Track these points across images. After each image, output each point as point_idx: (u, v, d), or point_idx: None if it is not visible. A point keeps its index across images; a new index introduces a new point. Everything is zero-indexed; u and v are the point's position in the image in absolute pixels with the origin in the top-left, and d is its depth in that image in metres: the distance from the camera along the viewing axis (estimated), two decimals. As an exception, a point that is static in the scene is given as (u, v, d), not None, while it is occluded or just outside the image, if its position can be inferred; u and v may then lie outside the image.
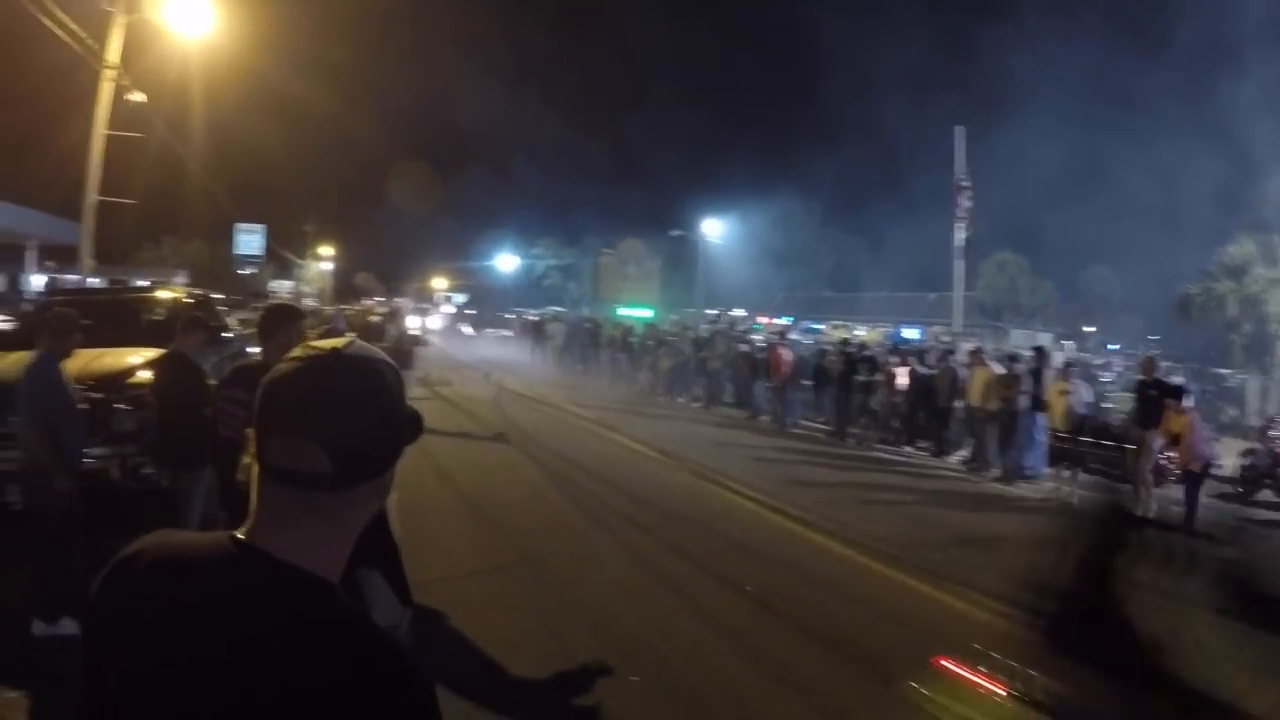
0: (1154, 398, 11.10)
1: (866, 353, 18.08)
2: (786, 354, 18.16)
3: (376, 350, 1.20)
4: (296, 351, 1.16)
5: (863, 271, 68.83)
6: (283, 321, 3.97)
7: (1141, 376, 11.93)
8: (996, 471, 12.94)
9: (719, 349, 21.06)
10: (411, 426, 1.26)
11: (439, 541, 7.51)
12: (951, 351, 16.85)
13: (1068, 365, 13.54)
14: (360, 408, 1.12)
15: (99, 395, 7.14)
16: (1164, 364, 14.28)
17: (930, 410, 15.43)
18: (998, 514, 10.37)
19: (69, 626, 4.69)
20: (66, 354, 5.52)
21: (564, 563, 7.19)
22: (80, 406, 5.86)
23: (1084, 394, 11.94)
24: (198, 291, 12.90)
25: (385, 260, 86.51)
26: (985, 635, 5.79)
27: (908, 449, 15.57)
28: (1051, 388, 12.43)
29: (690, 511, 9.23)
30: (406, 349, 14.12)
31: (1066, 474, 11.68)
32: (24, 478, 5.42)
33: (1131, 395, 12.52)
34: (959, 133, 26.54)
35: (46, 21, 13.15)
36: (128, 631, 1.09)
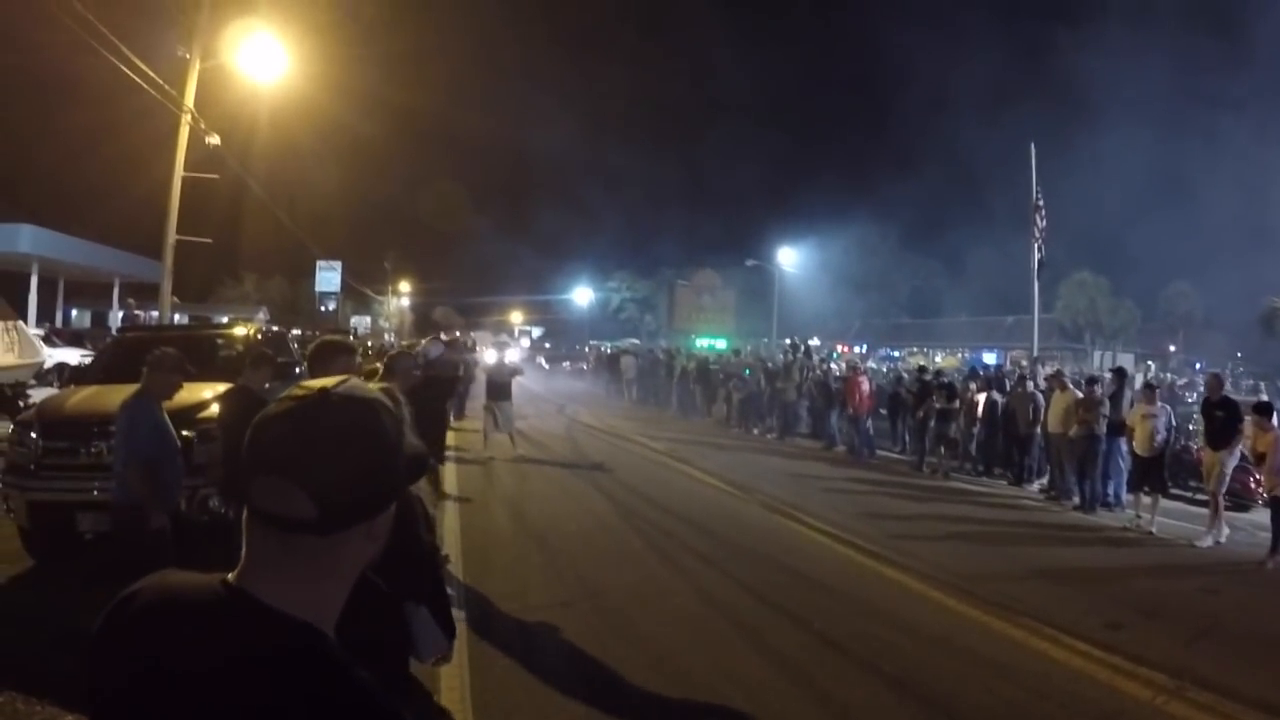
0: (1221, 419, 10.60)
1: (944, 379, 17.72)
2: (864, 383, 17.88)
3: (369, 390, 1.17)
4: (287, 392, 1.14)
5: (940, 297, 67.99)
6: (331, 356, 3.98)
7: (1208, 396, 11.45)
8: (1075, 500, 12.49)
9: (794, 379, 20.76)
10: (411, 466, 1.23)
11: (504, 572, 7.49)
12: (1027, 376, 16.41)
13: (1148, 387, 12.94)
14: (346, 451, 1.09)
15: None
16: (1248, 381, 13.63)
17: (1009, 437, 15.01)
18: (1075, 545, 10.02)
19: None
20: (168, 394, 5.54)
21: (627, 596, 7.10)
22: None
23: (1166, 417, 11.44)
24: (273, 328, 13.20)
25: (463, 294, 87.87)
26: (1061, 674, 5.60)
27: (985, 478, 15.19)
28: (1133, 412, 11.96)
29: (759, 545, 9.07)
30: (505, 380, 14.10)
31: (1147, 500, 11.19)
32: (117, 511, 5.38)
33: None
34: (1031, 150, 25.90)
35: (126, 70, 13.66)
36: (120, 670, 1.10)
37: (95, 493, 6.96)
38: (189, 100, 16.55)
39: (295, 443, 1.08)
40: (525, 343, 70.06)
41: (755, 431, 21.28)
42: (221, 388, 7.44)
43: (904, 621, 6.64)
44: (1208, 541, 10.13)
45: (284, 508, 1.07)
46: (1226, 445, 10.37)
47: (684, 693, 5.20)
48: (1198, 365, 52.62)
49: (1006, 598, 7.29)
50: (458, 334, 35.99)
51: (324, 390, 1.12)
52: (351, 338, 42.34)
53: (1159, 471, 11.21)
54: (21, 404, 13.80)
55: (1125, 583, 8.32)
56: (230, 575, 1.10)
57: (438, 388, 7.60)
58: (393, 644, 1.84)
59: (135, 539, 5.15)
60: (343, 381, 1.15)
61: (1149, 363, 57.49)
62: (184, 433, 7.08)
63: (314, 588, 1.10)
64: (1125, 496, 12.23)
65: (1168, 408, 11.71)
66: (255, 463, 1.09)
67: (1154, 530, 10.75)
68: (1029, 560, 8.98)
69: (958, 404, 15.78)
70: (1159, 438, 11.14)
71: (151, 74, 14.55)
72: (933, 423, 15.80)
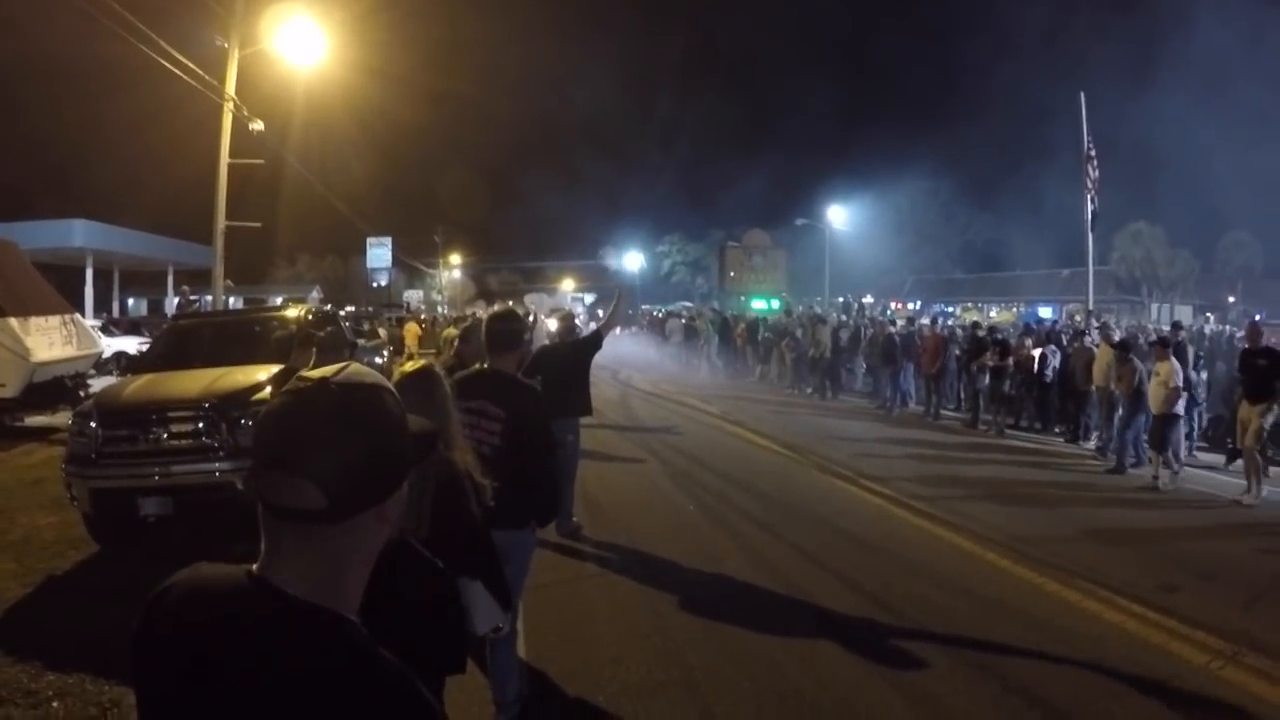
0: (1262, 368, 10.12)
1: (997, 335, 17.40)
2: (935, 339, 17.71)
3: (370, 375, 1.19)
4: (289, 385, 1.16)
5: (993, 250, 66.85)
6: (304, 344, 4.05)
7: (1247, 345, 10.96)
8: (1131, 458, 12.13)
9: (822, 340, 20.56)
10: (419, 447, 1.25)
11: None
12: (1084, 331, 16.03)
13: (1161, 343, 11.75)
14: (349, 438, 1.11)
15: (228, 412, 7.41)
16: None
17: (1065, 393, 14.74)
18: (1128, 505, 9.81)
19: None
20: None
21: (680, 562, 7.13)
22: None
23: (1179, 374, 10.85)
24: (325, 307, 13.35)
25: (516, 261, 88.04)
26: (1115, 637, 5.54)
27: (1043, 435, 14.97)
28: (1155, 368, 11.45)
29: (812, 507, 9.07)
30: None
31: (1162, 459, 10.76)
32: None
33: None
34: (1082, 100, 25.28)
35: (167, 64, 13.85)
36: (158, 663, 1.14)
37: (156, 478, 7.16)
38: (230, 88, 16.74)
39: (297, 435, 1.11)
40: (580, 309, 68.44)
41: (809, 391, 21.05)
42: (275, 369, 7.58)
43: (957, 584, 6.61)
44: (1247, 500, 9.82)
45: (293, 499, 1.09)
46: (1267, 398, 9.97)
47: (738, 658, 5.23)
48: (1258, 316, 51.26)
49: (1060, 559, 7.22)
50: (510, 304, 35.77)
51: (323, 379, 1.14)
52: (405, 310, 42.70)
53: (1174, 429, 10.79)
54: (82, 394, 14.18)
55: (1179, 543, 8.17)
56: (254, 566, 1.13)
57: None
58: (447, 618, 1.89)
59: None
60: (342, 369, 1.17)
61: (1208, 314, 56.11)
62: (236, 415, 7.27)
63: (333, 574, 1.12)
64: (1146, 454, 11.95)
65: (1179, 366, 11.18)
66: (261, 457, 1.12)
67: (1170, 486, 10.43)
68: (1083, 520, 8.85)
69: (1011, 361, 15.46)
70: (1172, 394, 10.71)
71: (192, 66, 14.74)
72: (987, 380, 15.57)
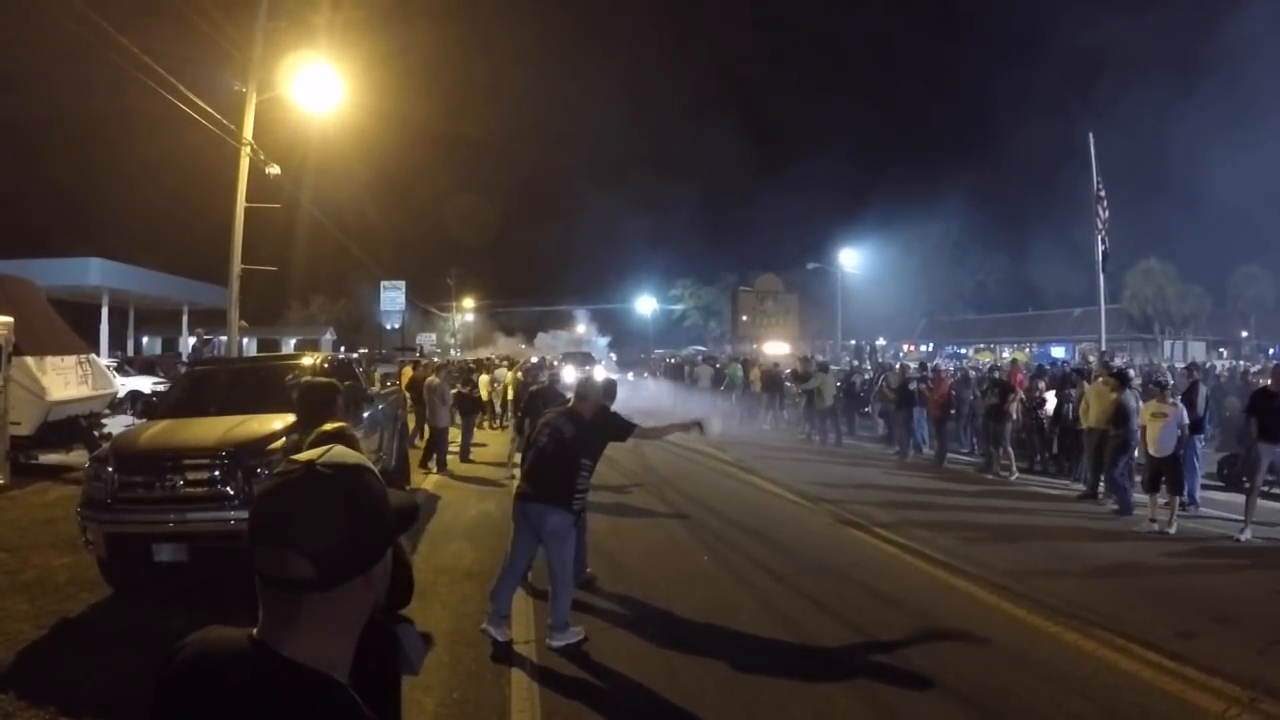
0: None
1: (996, 375, 17.29)
2: (946, 383, 17.67)
3: (353, 456, 1.31)
4: (281, 468, 1.28)
5: (1005, 291, 66.95)
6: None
7: (1266, 383, 10.91)
8: (1113, 502, 11.93)
9: (824, 386, 20.49)
10: (402, 519, 1.38)
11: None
12: (1081, 372, 15.94)
13: (1158, 385, 11.68)
14: (335, 516, 1.23)
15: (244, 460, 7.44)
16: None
17: (1074, 435, 14.59)
18: (1139, 551, 9.66)
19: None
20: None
21: (694, 613, 7.10)
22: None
23: (1178, 416, 10.77)
24: (340, 353, 13.39)
25: (530, 302, 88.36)
26: (1131, 687, 5.50)
27: (1055, 479, 14.88)
28: (1144, 409, 11.26)
29: (826, 557, 9.02)
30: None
31: (1163, 502, 10.63)
32: None
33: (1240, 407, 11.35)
34: (1090, 141, 25.37)
35: (185, 109, 14.08)
36: (169, 717, 1.27)
37: (171, 524, 7.20)
38: (248, 133, 16.99)
39: (288, 515, 1.22)
40: (598, 354, 56.09)
41: (832, 439, 20.54)
42: (290, 418, 7.63)
43: (972, 634, 6.56)
44: (1245, 535, 9.86)
45: (286, 571, 1.21)
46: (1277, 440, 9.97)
47: (754, 711, 5.22)
48: (1270, 350, 51.00)
49: (1075, 606, 7.16)
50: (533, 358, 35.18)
51: (310, 464, 1.26)
52: (418, 354, 42.81)
53: (1175, 472, 10.65)
54: (97, 433, 14.30)
55: (1194, 586, 8.09)
56: (255, 630, 1.24)
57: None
58: (388, 663, 2.04)
59: None
60: (327, 451, 1.29)
61: (1220, 350, 55.88)
62: (252, 464, 7.31)
63: (324, 638, 1.24)
64: (1198, 497, 11.88)
65: (1181, 407, 11.09)
66: (256, 535, 1.23)
67: (1170, 531, 10.28)
68: (1097, 565, 8.81)
69: (1013, 402, 15.32)
70: (1170, 437, 10.62)
71: (210, 110, 14.98)
72: (992, 423, 15.42)
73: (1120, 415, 11.76)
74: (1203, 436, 12.91)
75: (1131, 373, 15.83)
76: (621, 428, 6.89)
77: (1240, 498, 11.22)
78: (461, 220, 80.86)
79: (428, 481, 14.09)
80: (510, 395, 21.99)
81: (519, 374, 22.73)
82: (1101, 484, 12.65)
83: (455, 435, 17.34)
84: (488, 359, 34.72)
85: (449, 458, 15.83)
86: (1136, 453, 11.75)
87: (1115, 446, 11.80)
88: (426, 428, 16.44)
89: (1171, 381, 11.71)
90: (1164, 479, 10.65)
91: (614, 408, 7.20)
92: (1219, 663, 5.89)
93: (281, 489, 1.24)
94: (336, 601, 1.23)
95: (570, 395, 7.17)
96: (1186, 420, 10.88)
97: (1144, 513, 10.95)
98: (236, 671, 1.21)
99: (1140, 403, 11.86)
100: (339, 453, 1.30)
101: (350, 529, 1.23)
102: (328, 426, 5.04)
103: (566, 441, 6.49)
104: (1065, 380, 16.12)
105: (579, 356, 37.95)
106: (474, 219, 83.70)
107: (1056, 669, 5.84)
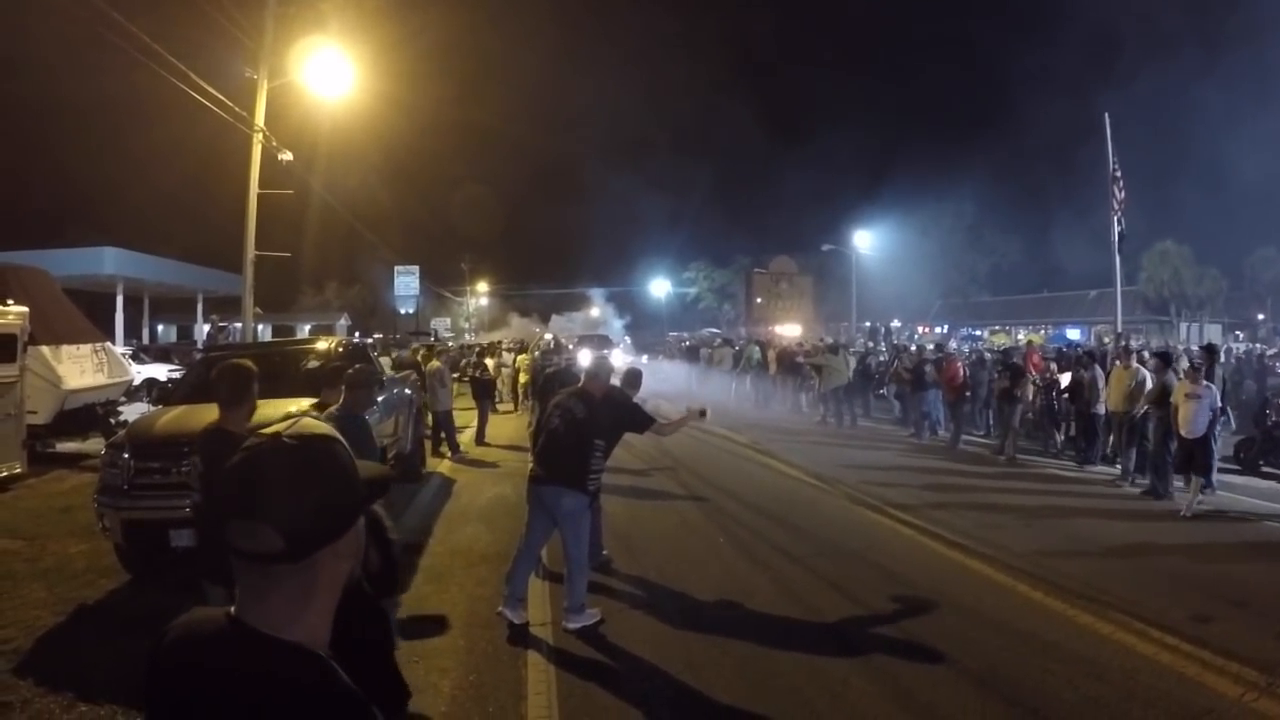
0: None
1: (1011, 359, 17.15)
2: (959, 365, 17.50)
3: (320, 428, 1.31)
4: (249, 441, 1.28)
5: (1020, 273, 66.55)
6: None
7: None
8: (1146, 482, 11.93)
9: (836, 365, 20.39)
10: (372, 488, 1.38)
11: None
12: (1094, 354, 15.79)
13: (1192, 367, 11.47)
14: (302, 487, 1.23)
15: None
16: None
17: (1088, 419, 14.49)
18: (1157, 532, 9.63)
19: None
20: (367, 405, 5.94)
21: (710, 595, 7.11)
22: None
23: (1211, 398, 10.64)
24: (354, 338, 13.40)
25: (544, 285, 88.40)
26: (1148, 669, 5.47)
27: (1067, 460, 14.77)
28: (1176, 390, 11.18)
29: (842, 539, 8.99)
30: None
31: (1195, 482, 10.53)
32: None
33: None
34: (1106, 121, 25.12)
35: (197, 96, 14.09)
36: (157, 703, 1.29)
37: (187, 509, 7.21)
38: (259, 119, 16.99)
39: (255, 488, 1.22)
40: (616, 337, 52.78)
41: (847, 420, 20.49)
42: (305, 403, 7.65)
43: (988, 616, 6.55)
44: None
45: (255, 544, 1.21)
46: None
47: (767, 694, 5.22)
48: (1289, 332, 50.60)
49: (1091, 589, 7.13)
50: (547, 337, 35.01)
51: (275, 436, 1.26)
52: (434, 338, 42.81)
53: (1205, 454, 10.54)
54: (113, 421, 14.37)
55: (1211, 570, 8.03)
56: (232, 608, 1.25)
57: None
58: (380, 639, 2.04)
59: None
60: (294, 423, 1.29)
61: (1237, 333, 55.47)
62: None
63: (299, 609, 1.24)
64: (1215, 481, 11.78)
65: (1213, 388, 10.94)
66: (226, 507, 1.23)
67: (1188, 514, 10.19)
68: (1114, 547, 8.75)
69: (1028, 385, 15.18)
70: (1203, 419, 10.52)
71: (222, 98, 14.98)
72: (1005, 405, 15.33)
73: (1163, 397, 11.63)
74: (1225, 419, 12.80)
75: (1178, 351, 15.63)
76: (641, 420, 6.89)
77: (1258, 481, 11.15)
78: (475, 204, 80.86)
79: (443, 465, 14.11)
80: (524, 378, 21.96)
81: (535, 354, 22.67)
82: (1127, 465, 12.60)
83: (470, 419, 17.38)
84: (495, 343, 34.32)
85: (463, 441, 15.84)
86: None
87: (1160, 429, 11.69)
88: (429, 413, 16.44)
89: (1201, 363, 11.54)
90: (1193, 461, 10.54)
91: (637, 396, 7.19)
92: (1236, 647, 5.85)
93: (247, 461, 1.24)
94: (307, 572, 1.23)
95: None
96: (1219, 403, 10.77)
97: (1184, 497, 10.81)
98: (214, 649, 1.23)
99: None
100: (305, 424, 1.31)
101: (317, 499, 1.23)
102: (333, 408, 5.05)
103: (578, 422, 6.48)
104: (1078, 362, 15.98)
105: (596, 339, 36.48)
106: (487, 203, 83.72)
107: (1073, 651, 5.82)
